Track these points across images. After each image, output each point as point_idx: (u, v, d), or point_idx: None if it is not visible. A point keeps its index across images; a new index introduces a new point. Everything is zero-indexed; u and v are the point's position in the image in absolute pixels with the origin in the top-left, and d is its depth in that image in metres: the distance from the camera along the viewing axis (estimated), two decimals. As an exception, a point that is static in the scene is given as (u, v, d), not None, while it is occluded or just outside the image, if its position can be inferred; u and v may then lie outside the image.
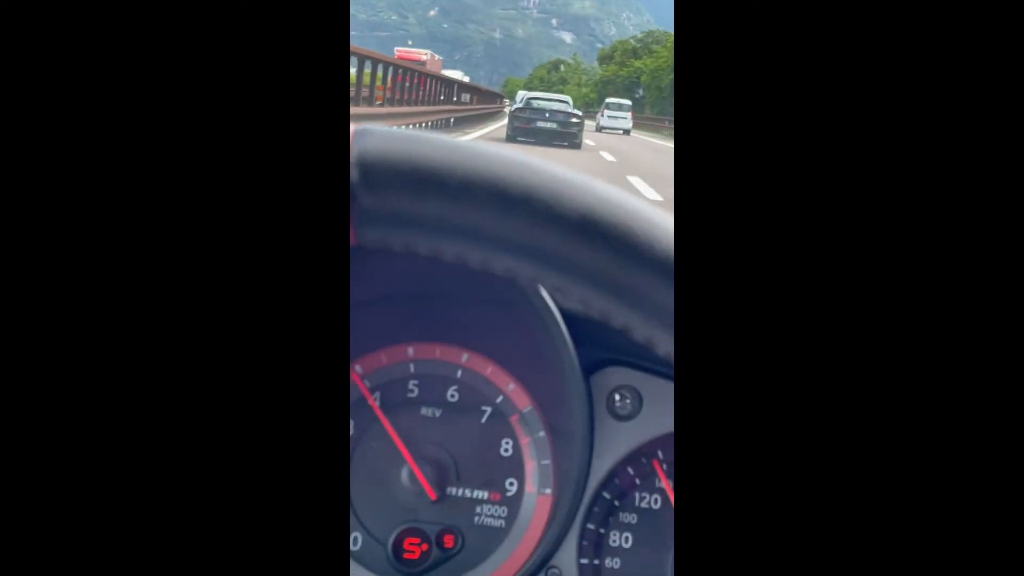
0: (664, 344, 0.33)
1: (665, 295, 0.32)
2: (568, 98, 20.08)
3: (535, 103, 18.23)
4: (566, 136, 17.16)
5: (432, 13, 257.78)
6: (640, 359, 0.60)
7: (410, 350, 0.75)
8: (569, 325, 0.67)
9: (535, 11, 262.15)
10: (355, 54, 11.84)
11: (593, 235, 0.31)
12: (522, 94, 20.71)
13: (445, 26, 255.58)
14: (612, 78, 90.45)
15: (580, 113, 18.26)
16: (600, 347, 0.68)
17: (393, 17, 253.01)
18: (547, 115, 17.39)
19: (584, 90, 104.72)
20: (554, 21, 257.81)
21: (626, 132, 33.37)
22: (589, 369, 0.70)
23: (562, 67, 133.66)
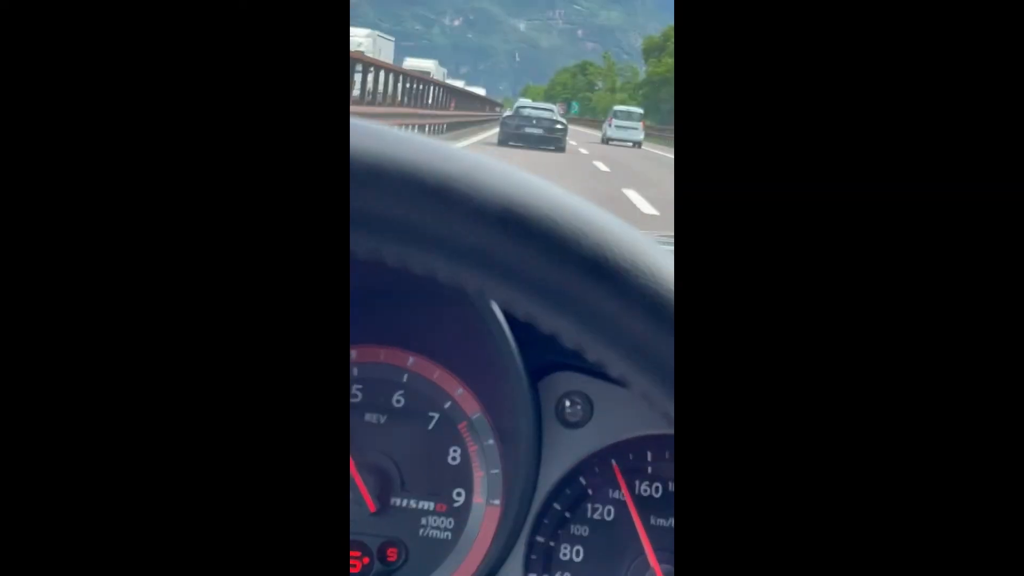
0: (595, 351, 0.31)
1: (595, 296, 0.30)
2: (554, 107, 22.84)
3: (524, 111, 20.41)
4: (551, 141, 19.15)
5: (456, 23, 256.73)
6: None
7: (353, 353, 0.72)
8: (516, 327, 0.64)
9: (560, 21, 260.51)
10: (360, 61, 12.72)
11: (515, 228, 0.29)
12: (521, 102, 23.38)
13: (469, 36, 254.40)
14: (669, 76, 65.40)
15: (564, 121, 20.54)
16: (549, 351, 0.64)
17: (417, 27, 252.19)
18: (534, 122, 19.47)
19: (620, 96, 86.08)
20: (579, 32, 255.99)
21: (636, 144, 30.94)
22: (537, 374, 0.67)
23: (590, 70, 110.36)
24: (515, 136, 19.10)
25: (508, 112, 21.65)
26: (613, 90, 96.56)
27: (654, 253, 0.30)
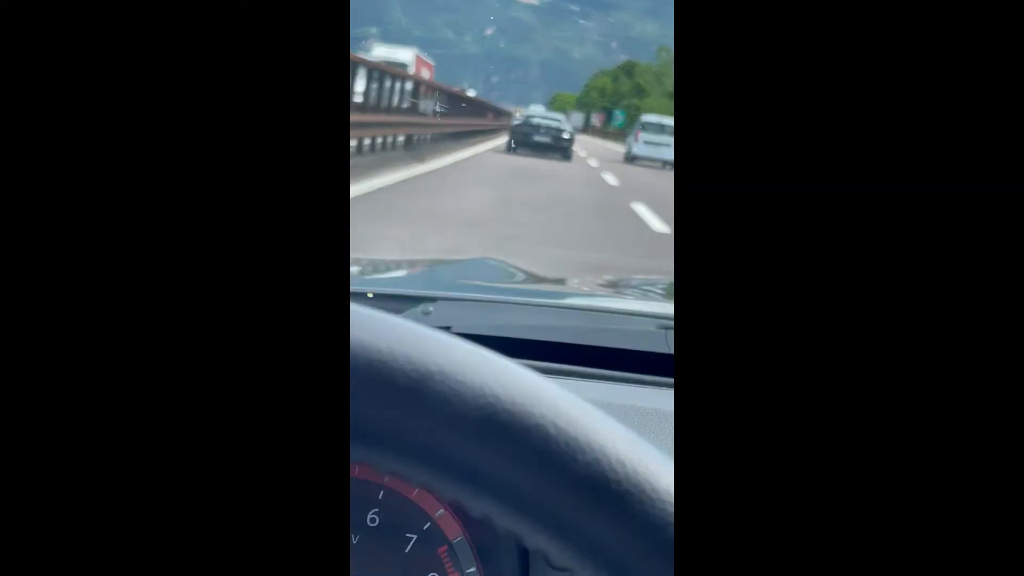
0: (582, 571, 0.28)
1: (591, 523, 0.27)
2: (561, 116, 24.01)
3: (533, 120, 21.24)
4: (558, 149, 19.91)
5: (489, 32, 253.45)
6: None
7: None
8: None
9: (595, 33, 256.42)
10: (363, 65, 12.87)
11: (498, 437, 0.26)
12: (533, 108, 25.46)
13: (501, 45, 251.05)
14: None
15: (570, 130, 21.44)
16: None
17: (449, 35, 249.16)
18: (542, 131, 20.19)
19: (682, 101, 72.05)
20: (613, 44, 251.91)
21: (667, 165, 26.02)
22: None
23: (637, 68, 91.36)
24: (523, 144, 19.93)
25: (517, 120, 22.60)
26: (671, 96, 73.55)
27: (660, 469, 0.28)
